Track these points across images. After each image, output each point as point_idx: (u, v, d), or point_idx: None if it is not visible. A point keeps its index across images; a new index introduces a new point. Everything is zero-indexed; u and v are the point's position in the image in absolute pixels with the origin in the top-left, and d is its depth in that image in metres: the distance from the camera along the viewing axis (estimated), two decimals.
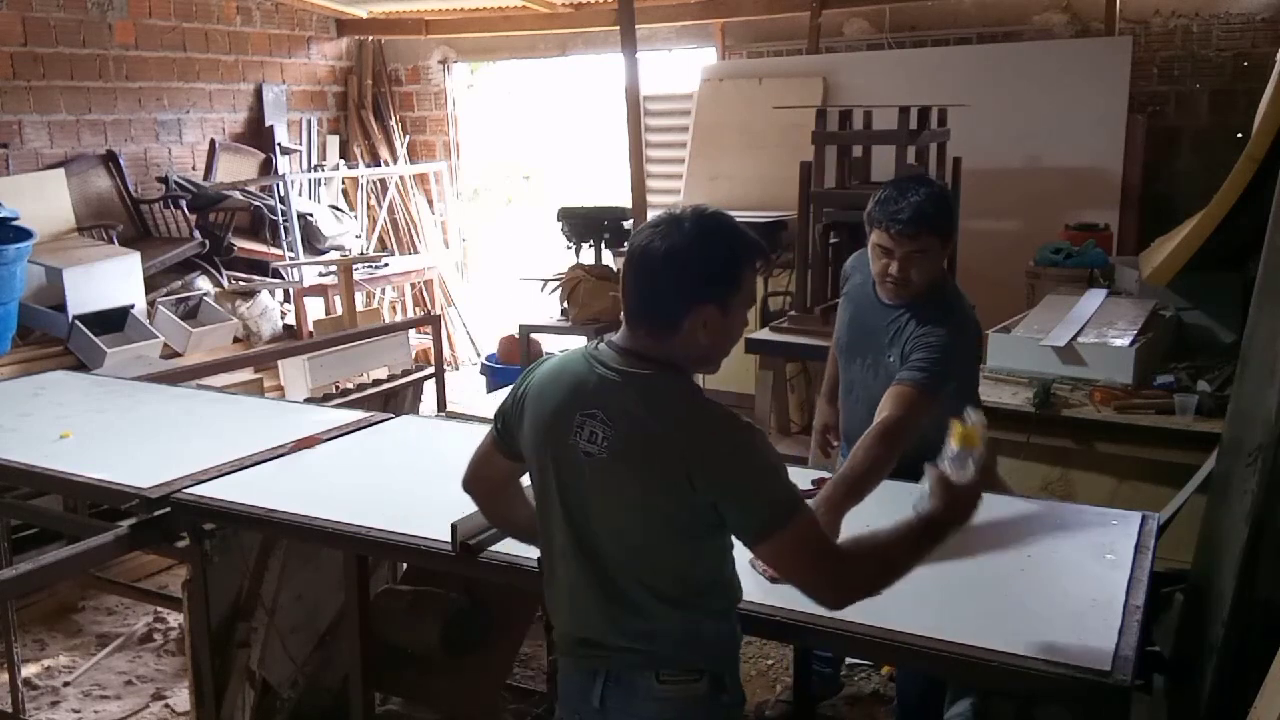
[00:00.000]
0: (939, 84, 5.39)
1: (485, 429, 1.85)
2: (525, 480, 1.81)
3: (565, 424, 1.62)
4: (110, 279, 5.12)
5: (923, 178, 2.92)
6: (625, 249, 1.65)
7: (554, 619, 1.77)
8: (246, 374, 4.92)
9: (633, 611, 1.64)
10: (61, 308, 4.91)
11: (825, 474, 2.48)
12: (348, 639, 2.48)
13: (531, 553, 1.94)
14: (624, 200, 5.35)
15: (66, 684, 3.44)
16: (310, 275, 6.32)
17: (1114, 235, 5.07)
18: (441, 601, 2.79)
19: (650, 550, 1.62)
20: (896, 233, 2.37)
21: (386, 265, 6.87)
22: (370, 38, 7.73)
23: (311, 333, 5.85)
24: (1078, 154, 5.31)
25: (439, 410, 4.64)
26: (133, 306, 5.19)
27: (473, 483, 1.89)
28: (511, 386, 1.78)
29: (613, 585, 1.64)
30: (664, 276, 1.58)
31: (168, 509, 2.43)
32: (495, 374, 6.03)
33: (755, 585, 1.89)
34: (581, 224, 5.52)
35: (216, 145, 6.60)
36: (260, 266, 6.37)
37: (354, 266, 6.01)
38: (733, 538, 1.67)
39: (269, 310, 5.98)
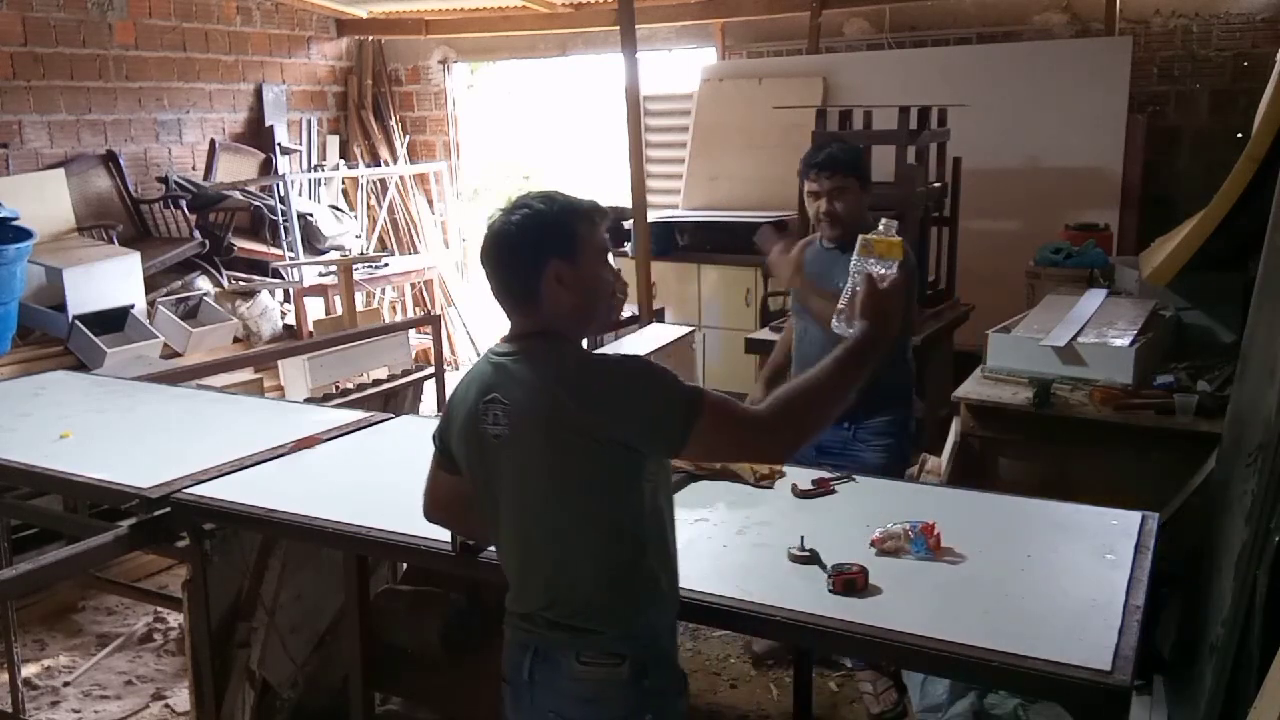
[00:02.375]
0: (939, 84, 5.39)
1: None
2: None
3: (476, 416, 1.72)
4: (110, 279, 5.12)
5: (837, 135, 3.73)
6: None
7: (508, 598, 1.83)
8: (246, 374, 4.92)
9: (558, 591, 1.70)
10: (61, 308, 4.91)
11: (825, 474, 2.48)
12: (348, 639, 2.48)
13: None
14: (624, 200, 5.34)
15: (66, 684, 3.44)
16: (310, 275, 6.32)
17: (1114, 235, 5.07)
18: (441, 601, 2.79)
19: (569, 528, 1.68)
20: (817, 174, 2.92)
21: (386, 265, 6.87)
22: (370, 38, 7.73)
23: (311, 333, 5.85)
24: (1078, 154, 5.31)
25: (439, 410, 4.64)
26: (133, 306, 5.19)
27: (431, 509, 1.98)
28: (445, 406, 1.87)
29: (541, 566, 1.72)
30: (504, 258, 1.69)
31: (168, 509, 2.43)
32: None
33: (754, 584, 1.90)
34: None
35: (216, 145, 6.60)
36: (260, 266, 6.37)
37: (354, 266, 6.01)
38: (662, 524, 1.73)
39: (269, 310, 5.98)
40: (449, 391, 1.80)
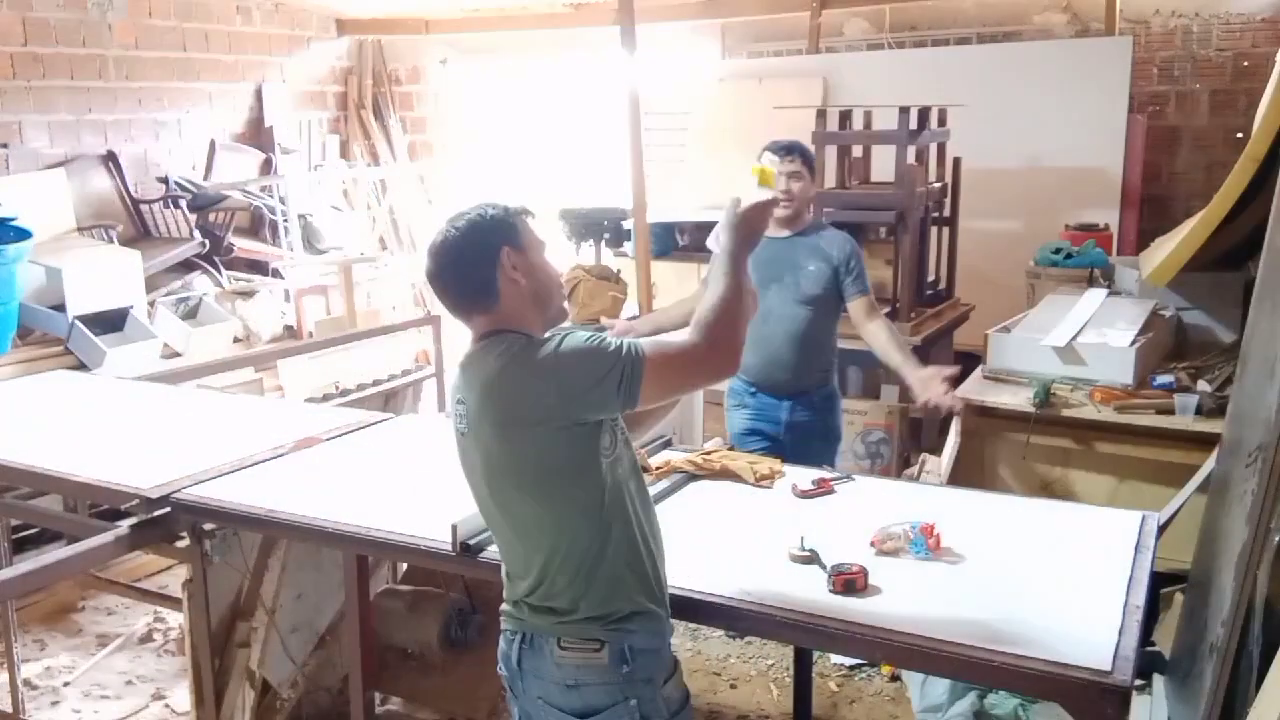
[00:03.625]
0: (939, 84, 5.39)
1: None
2: None
3: (453, 418, 1.81)
4: (110, 279, 5.11)
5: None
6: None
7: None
8: (246, 374, 4.91)
9: (534, 576, 1.74)
10: (61, 308, 4.90)
11: (825, 474, 2.48)
12: (348, 639, 2.49)
13: None
14: (624, 200, 5.35)
15: (66, 684, 3.44)
16: (310, 275, 6.32)
17: (1114, 235, 5.07)
18: (441, 601, 2.80)
19: (533, 514, 1.72)
20: (781, 156, 3.18)
21: (386, 265, 6.86)
22: (370, 37, 7.72)
23: (311, 333, 5.85)
24: (1078, 154, 5.31)
25: (439, 410, 4.64)
26: (133, 307, 5.18)
27: None
28: None
29: (517, 553, 1.77)
30: (458, 258, 1.76)
31: (168, 509, 2.44)
32: None
33: (754, 584, 1.90)
34: (581, 224, 5.52)
35: (216, 145, 6.60)
36: (260, 266, 6.36)
37: (354, 266, 6.00)
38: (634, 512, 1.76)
39: (269, 310, 5.97)
40: (449, 392, 1.84)
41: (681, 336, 1.76)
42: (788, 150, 3.23)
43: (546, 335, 1.74)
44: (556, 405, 1.66)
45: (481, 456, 1.74)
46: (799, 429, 3.29)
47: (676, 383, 1.77)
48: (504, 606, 1.84)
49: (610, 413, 1.72)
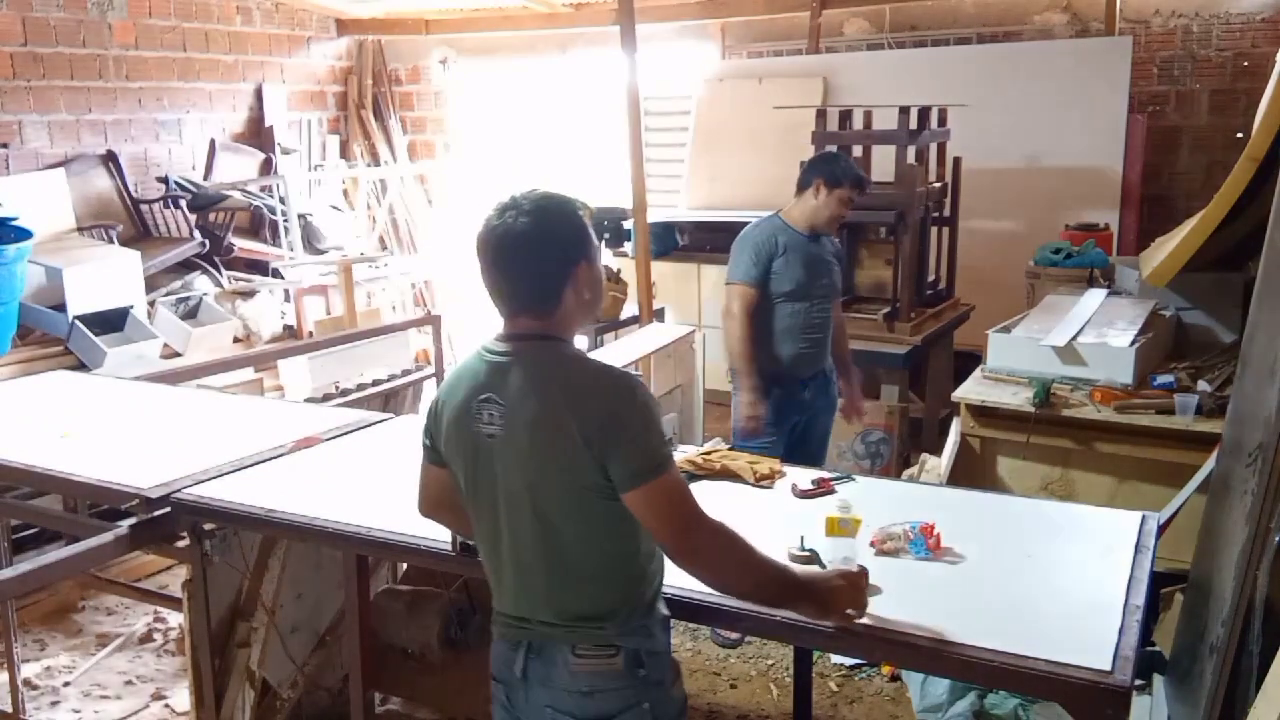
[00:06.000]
0: (939, 84, 5.40)
1: None
2: None
3: (469, 414, 1.71)
4: (110, 279, 5.11)
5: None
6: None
7: (494, 599, 1.83)
8: (246, 374, 4.91)
9: (550, 588, 1.70)
10: (61, 308, 4.90)
11: (826, 474, 2.48)
12: (348, 639, 2.48)
13: None
14: (624, 200, 5.35)
15: (66, 684, 3.44)
16: (310, 275, 6.31)
17: (1114, 235, 5.07)
18: (440, 601, 2.80)
19: (560, 526, 1.68)
20: (860, 191, 3.42)
21: (386, 265, 6.86)
22: (370, 37, 7.73)
23: (311, 333, 5.85)
24: (1078, 154, 5.31)
25: None
26: (133, 307, 5.18)
27: (426, 506, 1.98)
28: (429, 404, 1.86)
29: (532, 564, 1.71)
30: (534, 259, 1.67)
31: (168, 509, 2.44)
32: None
33: None
34: None
35: (216, 145, 6.60)
36: (260, 266, 6.36)
37: (354, 266, 6.00)
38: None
39: (269, 310, 5.97)
40: (460, 389, 1.78)
41: (708, 514, 1.66)
42: (864, 187, 3.47)
43: (613, 369, 1.68)
44: (597, 447, 1.60)
45: (519, 462, 1.66)
46: (811, 406, 3.56)
47: (655, 516, 1.63)
48: (502, 617, 1.79)
49: (602, 473, 1.62)
